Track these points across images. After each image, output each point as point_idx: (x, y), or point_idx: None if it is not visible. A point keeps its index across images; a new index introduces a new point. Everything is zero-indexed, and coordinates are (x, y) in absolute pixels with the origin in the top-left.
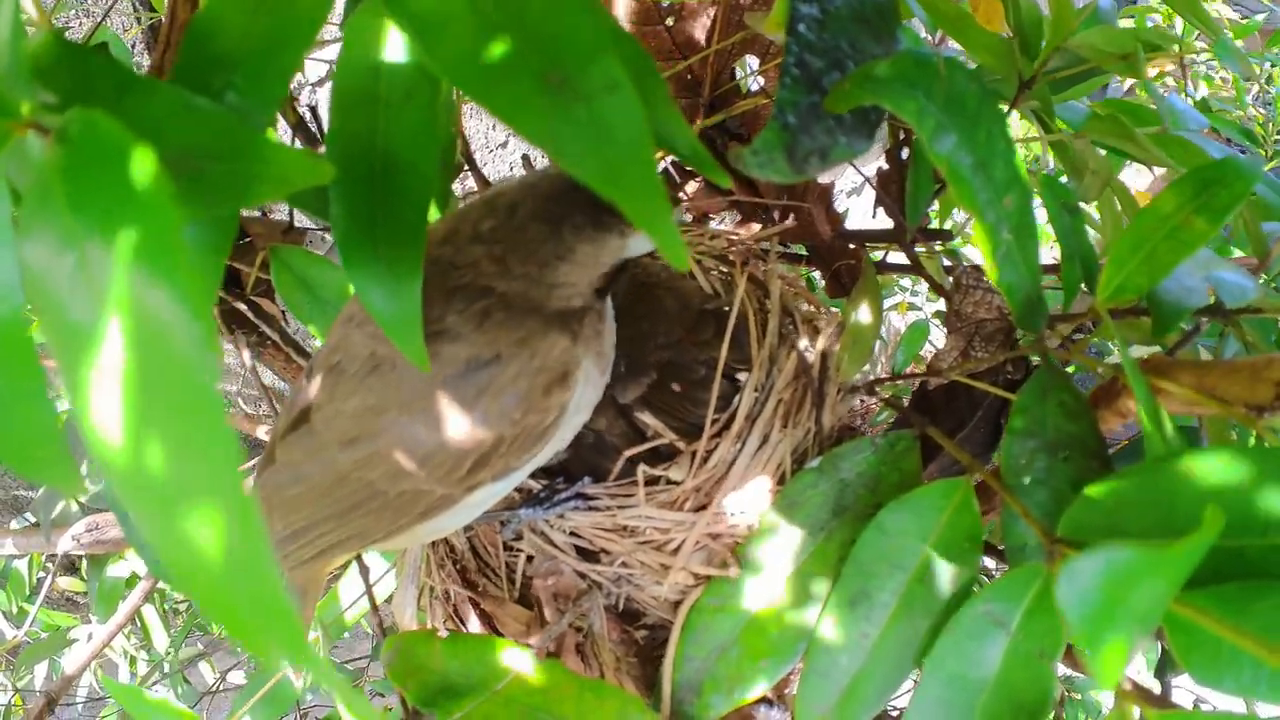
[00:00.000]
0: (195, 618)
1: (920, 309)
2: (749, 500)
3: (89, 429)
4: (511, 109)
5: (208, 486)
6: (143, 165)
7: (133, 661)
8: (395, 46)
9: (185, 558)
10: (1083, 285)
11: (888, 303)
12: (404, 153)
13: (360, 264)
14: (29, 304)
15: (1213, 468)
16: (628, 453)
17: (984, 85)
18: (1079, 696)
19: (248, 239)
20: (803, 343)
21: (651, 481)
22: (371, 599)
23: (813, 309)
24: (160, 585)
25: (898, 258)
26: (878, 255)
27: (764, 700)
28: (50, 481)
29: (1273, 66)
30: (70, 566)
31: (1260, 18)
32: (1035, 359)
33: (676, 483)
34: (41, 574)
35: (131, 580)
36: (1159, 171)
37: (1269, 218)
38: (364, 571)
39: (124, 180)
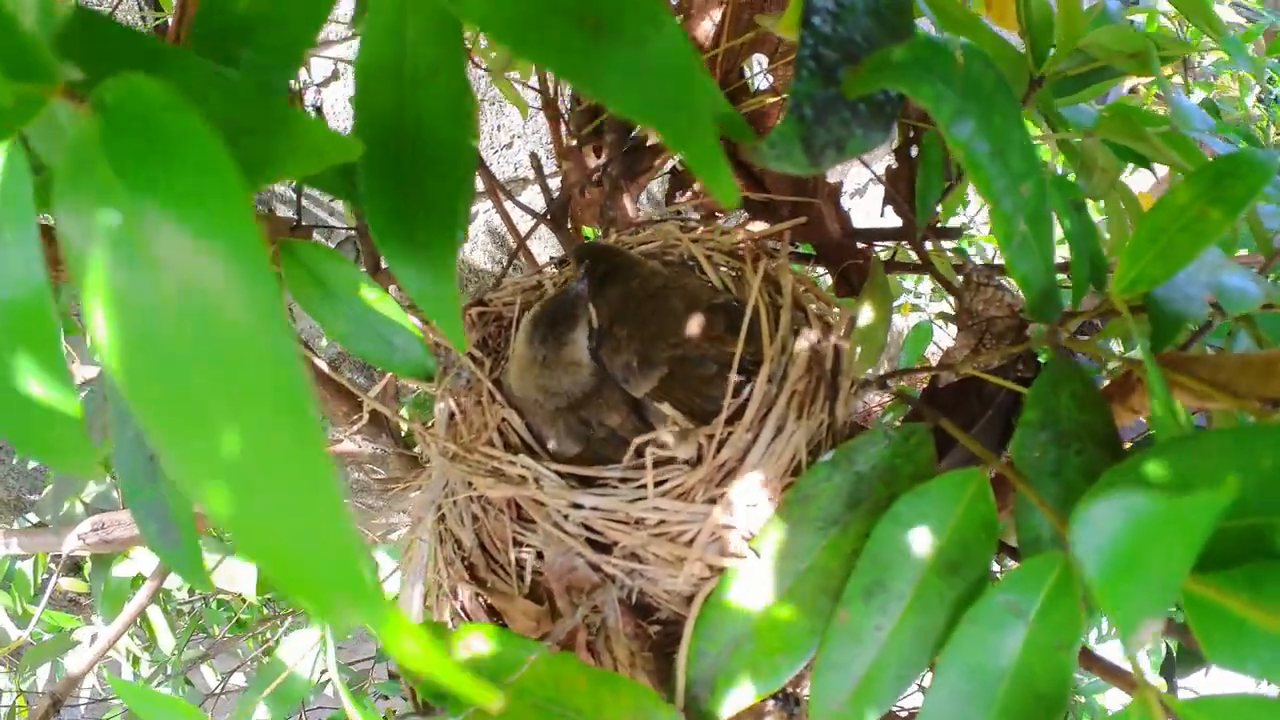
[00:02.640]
0: (199, 620)
1: (923, 310)
2: (763, 491)
3: (146, 402)
4: (550, 55)
5: (288, 463)
6: (196, 128)
7: (136, 662)
8: (420, 14)
9: (262, 534)
10: (1091, 286)
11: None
12: (434, 128)
13: (395, 243)
14: (76, 280)
15: (1230, 446)
16: (637, 440)
17: (999, 73)
18: (1083, 700)
19: None
20: (815, 335)
21: (661, 464)
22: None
23: (823, 304)
24: (167, 585)
25: (902, 258)
26: (885, 255)
27: (779, 695)
28: (68, 466)
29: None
30: (74, 568)
31: (1265, 21)
32: (1045, 358)
33: (685, 463)
34: (46, 575)
35: (137, 581)
36: (1161, 172)
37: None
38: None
39: (176, 145)
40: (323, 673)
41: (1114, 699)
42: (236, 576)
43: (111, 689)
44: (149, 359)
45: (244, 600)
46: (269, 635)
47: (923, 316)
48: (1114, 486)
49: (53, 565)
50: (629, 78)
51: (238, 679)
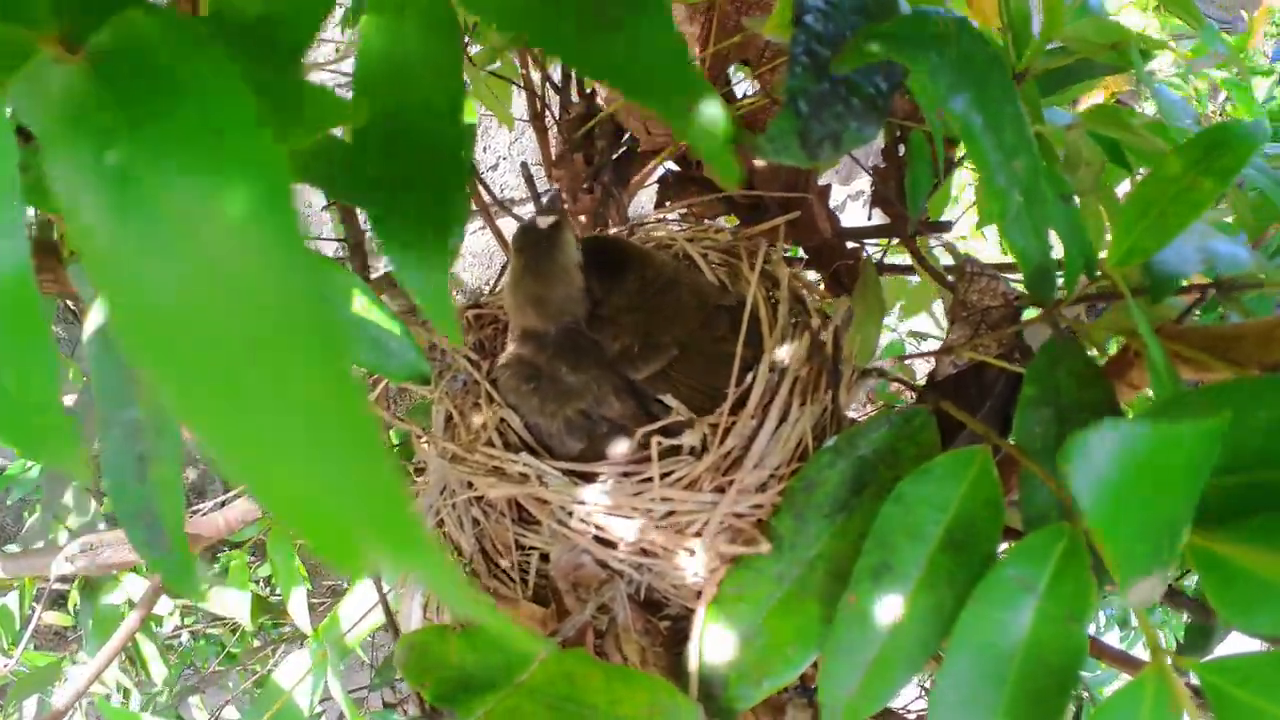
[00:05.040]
0: (189, 656)
1: (894, 330)
2: (770, 479)
3: (171, 378)
4: (549, 39)
5: (326, 436)
6: (212, 67)
7: (127, 694)
8: (419, 11)
9: (303, 512)
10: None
11: None
12: (433, 123)
13: (394, 232)
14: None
15: (1225, 402)
16: (641, 431)
17: (990, 50)
18: (1085, 694)
19: None
20: (814, 323)
21: (667, 454)
22: (386, 607)
23: (819, 297)
24: (158, 612)
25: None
26: (875, 258)
27: (797, 686)
28: (52, 458)
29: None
30: (58, 601)
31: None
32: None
33: (691, 453)
34: (30, 610)
35: (121, 613)
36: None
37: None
38: (380, 591)
39: (187, 83)
40: (322, 702)
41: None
42: (230, 602)
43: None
44: (159, 306)
45: (234, 632)
46: (259, 668)
47: (895, 336)
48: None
49: (35, 605)
50: (630, 62)
51: (229, 712)
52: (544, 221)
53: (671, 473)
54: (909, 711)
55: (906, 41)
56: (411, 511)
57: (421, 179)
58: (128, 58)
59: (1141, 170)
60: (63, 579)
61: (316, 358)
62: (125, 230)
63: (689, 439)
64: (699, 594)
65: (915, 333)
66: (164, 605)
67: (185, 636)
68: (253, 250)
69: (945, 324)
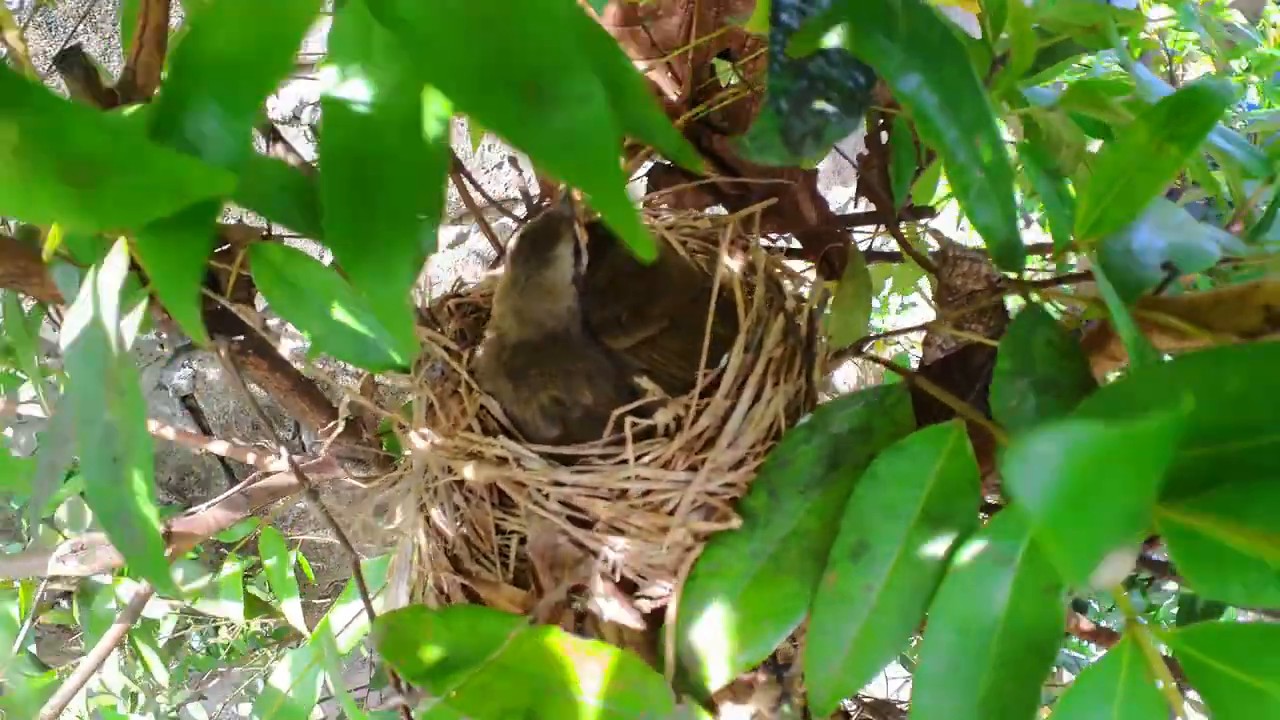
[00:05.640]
0: (189, 662)
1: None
2: (743, 458)
3: None
4: (492, 116)
5: None
6: None
7: (133, 698)
8: (382, 48)
9: None
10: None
11: None
12: (401, 142)
13: (350, 250)
14: None
15: (1194, 371)
16: (617, 411)
17: (946, 29)
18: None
19: (226, 245)
20: (789, 304)
21: (641, 436)
22: (371, 613)
23: (795, 279)
24: (153, 615)
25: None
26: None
27: (769, 663)
28: None
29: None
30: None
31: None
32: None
33: (665, 434)
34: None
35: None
36: None
37: (1247, 176)
38: (363, 591)
39: None
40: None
41: None
42: (223, 601)
43: None
44: None
45: (231, 632)
46: (259, 668)
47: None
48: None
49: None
50: (563, 143)
51: (230, 716)
52: (545, 229)
53: (646, 454)
54: (900, 703)
55: (851, 25)
56: None
57: (385, 193)
58: None
59: None
60: (57, 580)
61: None
62: None
63: (662, 418)
64: (674, 572)
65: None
66: (161, 609)
67: (195, 639)
68: None
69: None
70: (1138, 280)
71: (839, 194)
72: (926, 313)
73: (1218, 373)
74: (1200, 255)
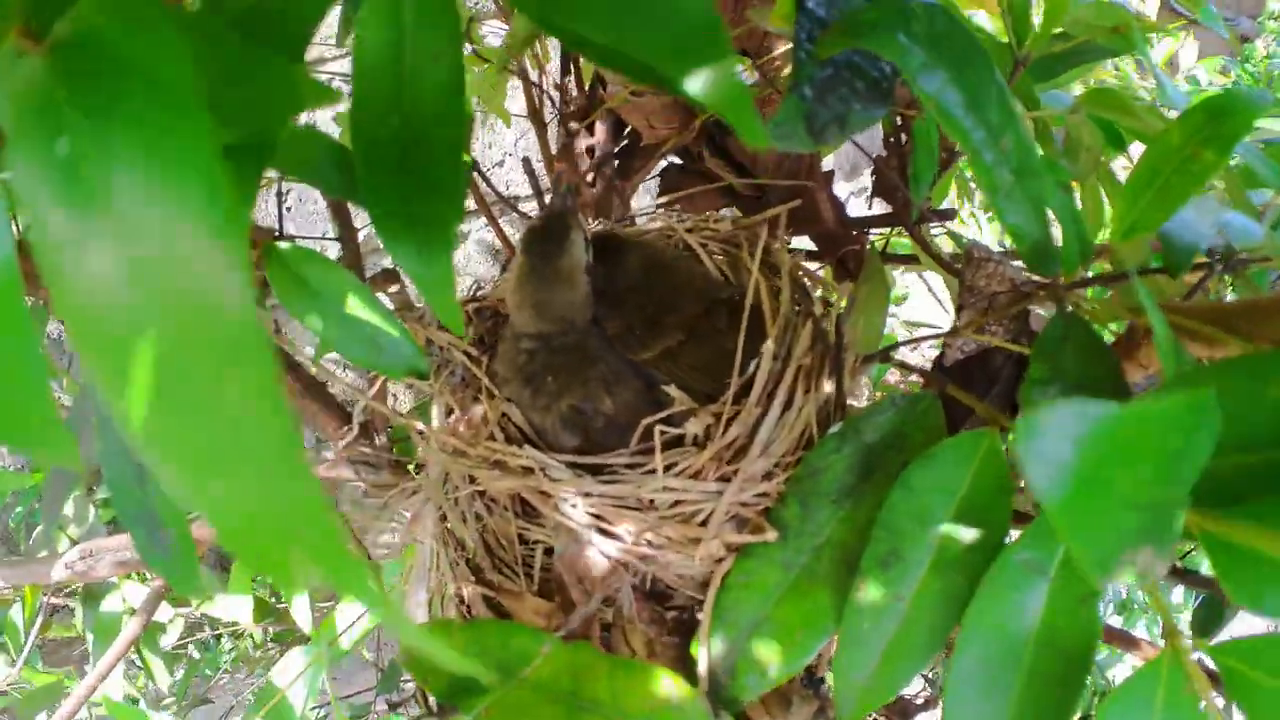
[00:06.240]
0: (197, 666)
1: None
2: (775, 467)
3: (94, 355)
4: (577, 19)
5: (252, 447)
6: (162, 60)
7: (135, 704)
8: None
9: (225, 515)
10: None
11: None
12: (433, 110)
13: (392, 221)
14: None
15: (1234, 377)
16: (645, 421)
17: (969, 33)
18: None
19: None
20: (817, 309)
21: (668, 446)
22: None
23: (820, 284)
24: (159, 618)
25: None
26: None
27: (804, 675)
28: (43, 449)
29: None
30: (59, 611)
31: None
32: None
33: (695, 444)
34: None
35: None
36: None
37: (1254, 185)
38: (384, 599)
39: (138, 79)
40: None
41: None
42: (233, 606)
43: None
44: (98, 304)
45: (238, 636)
46: (264, 671)
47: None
48: None
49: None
50: (658, 31)
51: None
52: (554, 218)
53: (676, 464)
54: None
55: (875, 27)
56: (339, 533)
57: (420, 172)
58: (85, 47)
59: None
60: (62, 586)
61: (250, 360)
62: (69, 220)
63: (692, 428)
64: (705, 583)
65: (910, 322)
66: (166, 613)
67: (192, 648)
68: (189, 247)
69: (945, 313)
70: (1189, 247)
71: (840, 189)
72: (924, 308)
73: (1257, 380)
74: (1247, 232)
